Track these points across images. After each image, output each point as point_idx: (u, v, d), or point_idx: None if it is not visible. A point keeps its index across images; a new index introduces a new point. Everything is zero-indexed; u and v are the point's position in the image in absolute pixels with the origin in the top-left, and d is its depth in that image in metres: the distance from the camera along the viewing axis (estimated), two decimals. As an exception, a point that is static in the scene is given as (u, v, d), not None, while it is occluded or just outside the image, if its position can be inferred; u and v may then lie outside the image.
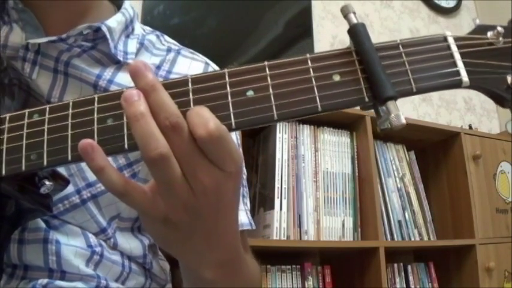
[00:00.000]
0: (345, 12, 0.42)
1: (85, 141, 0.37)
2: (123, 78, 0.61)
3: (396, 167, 1.73)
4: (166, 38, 0.72)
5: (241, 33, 1.88)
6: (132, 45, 0.65)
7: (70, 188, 0.56)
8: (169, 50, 0.68)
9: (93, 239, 0.58)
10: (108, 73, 0.61)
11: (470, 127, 2.08)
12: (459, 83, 0.42)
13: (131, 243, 0.62)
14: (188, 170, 0.38)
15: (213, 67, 0.70)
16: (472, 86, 0.43)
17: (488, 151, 1.84)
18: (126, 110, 0.37)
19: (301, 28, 2.00)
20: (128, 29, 0.65)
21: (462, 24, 2.60)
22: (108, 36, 0.61)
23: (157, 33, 0.72)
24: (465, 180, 1.74)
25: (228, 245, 0.46)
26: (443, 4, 2.54)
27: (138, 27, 0.69)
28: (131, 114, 0.36)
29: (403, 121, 0.39)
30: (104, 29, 0.60)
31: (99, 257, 0.58)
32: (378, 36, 2.27)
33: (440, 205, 1.83)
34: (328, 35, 2.09)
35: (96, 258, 0.57)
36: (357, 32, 0.42)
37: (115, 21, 0.63)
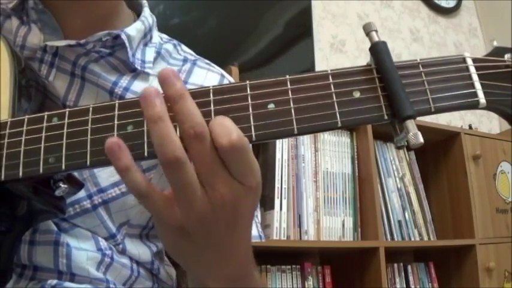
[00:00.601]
0: (367, 29, 0.43)
1: (112, 140, 0.37)
2: (139, 87, 0.61)
3: (396, 167, 1.73)
4: (184, 47, 0.71)
5: (241, 33, 1.88)
6: (150, 54, 0.64)
7: (82, 193, 0.56)
8: (185, 60, 0.68)
9: (103, 243, 0.58)
10: (124, 81, 0.60)
11: (470, 127, 2.08)
12: (476, 104, 0.43)
13: (139, 249, 0.62)
14: (207, 180, 0.38)
15: (228, 79, 0.69)
16: (488, 107, 0.43)
17: (488, 151, 1.84)
18: (146, 111, 0.37)
19: (301, 28, 2.00)
20: (146, 37, 0.65)
21: (462, 24, 2.60)
22: (127, 44, 0.60)
23: (175, 42, 0.71)
24: (465, 180, 1.74)
25: (240, 261, 0.45)
26: (443, 4, 2.54)
27: (156, 36, 0.68)
28: (151, 116, 0.37)
29: (421, 140, 0.39)
30: (123, 36, 0.59)
31: (109, 259, 0.58)
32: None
33: (440, 205, 1.83)
34: (328, 35, 2.09)
35: (107, 261, 0.58)
36: (378, 50, 0.42)
37: (134, 29, 0.62)
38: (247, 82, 0.41)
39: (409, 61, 0.43)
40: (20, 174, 0.42)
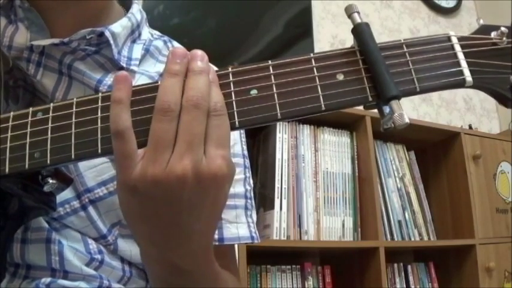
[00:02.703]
0: (349, 11, 0.43)
1: (123, 72, 0.40)
2: None
3: (396, 167, 1.73)
4: (175, 43, 0.70)
5: (241, 33, 1.88)
6: (137, 51, 0.63)
7: (71, 193, 0.56)
8: None
9: (92, 246, 0.58)
10: (109, 79, 0.60)
11: (470, 127, 2.08)
12: (462, 82, 0.42)
13: (132, 250, 0.61)
14: (180, 148, 0.38)
15: None
16: (475, 85, 0.43)
17: (488, 151, 1.84)
18: (169, 64, 0.40)
19: (301, 28, 2.00)
20: (134, 34, 0.64)
21: (462, 24, 2.60)
22: (111, 41, 0.59)
23: (165, 38, 0.70)
24: (465, 180, 1.74)
25: (188, 254, 0.44)
26: (443, 4, 2.54)
27: (146, 32, 0.67)
28: (171, 68, 0.39)
29: (407, 120, 0.39)
30: (107, 34, 0.59)
31: (98, 263, 0.58)
32: (378, 36, 2.24)
33: (440, 205, 1.83)
34: (328, 35, 2.09)
35: (95, 264, 0.57)
36: (361, 32, 0.42)
37: (119, 26, 0.61)
38: (229, 69, 0.42)
39: (393, 41, 0.43)
40: (7, 170, 0.42)
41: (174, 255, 0.43)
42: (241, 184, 0.64)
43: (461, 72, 0.42)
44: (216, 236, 0.59)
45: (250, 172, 0.67)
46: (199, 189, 0.38)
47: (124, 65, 0.61)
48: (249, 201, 0.65)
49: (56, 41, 0.58)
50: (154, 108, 0.39)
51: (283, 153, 1.48)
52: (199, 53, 0.41)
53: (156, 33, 0.70)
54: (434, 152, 1.88)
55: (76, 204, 0.56)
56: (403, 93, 0.41)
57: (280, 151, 1.47)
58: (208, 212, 0.41)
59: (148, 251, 0.45)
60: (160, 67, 0.64)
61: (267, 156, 1.51)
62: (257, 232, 0.66)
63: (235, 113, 0.40)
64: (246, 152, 0.67)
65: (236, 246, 0.71)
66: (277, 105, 0.40)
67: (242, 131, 0.66)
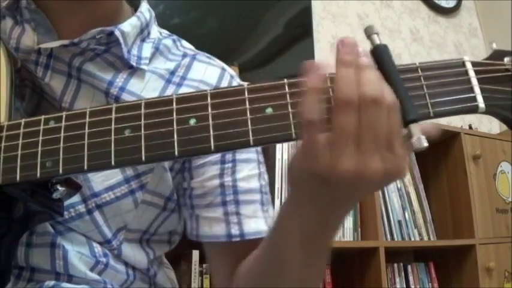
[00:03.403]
0: (369, 33, 0.43)
1: (314, 61, 0.40)
2: (135, 86, 0.59)
3: (396, 167, 1.73)
4: (184, 43, 0.69)
5: (241, 33, 1.88)
6: (147, 49, 0.62)
7: (77, 197, 0.55)
8: (184, 55, 0.66)
9: (98, 249, 0.58)
10: (120, 79, 0.59)
11: (470, 127, 2.08)
12: (475, 108, 0.42)
13: (137, 255, 0.61)
14: (366, 146, 0.38)
15: (230, 72, 0.67)
16: (487, 111, 0.43)
17: (488, 151, 1.84)
18: (343, 54, 0.39)
19: (301, 28, 2.00)
20: (143, 32, 0.63)
21: (462, 24, 2.60)
22: (121, 40, 0.58)
23: (174, 37, 0.69)
24: (465, 180, 1.74)
25: (329, 239, 0.48)
26: (443, 4, 2.54)
27: (155, 31, 0.66)
28: (345, 59, 0.39)
29: (425, 144, 0.39)
30: (117, 33, 0.58)
31: (103, 266, 0.58)
32: (378, 36, 2.27)
33: (440, 205, 1.83)
34: (328, 35, 2.09)
35: (100, 267, 0.57)
36: (380, 53, 0.42)
37: (129, 25, 0.60)
38: (245, 86, 0.41)
39: (408, 65, 0.43)
40: (17, 178, 0.42)
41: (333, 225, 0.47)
42: (256, 179, 0.64)
43: (474, 99, 0.42)
44: (237, 232, 0.59)
45: (264, 167, 0.67)
46: (379, 187, 0.42)
47: (134, 64, 0.60)
48: (264, 196, 0.65)
49: (66, 42, 0.57)
50: (335, 100, 0.38)
51: (283, 153, 1.48)
52: (351, 41, 0.40)
53: (165, 32, 0.70)
54: (434, 152, 1.88)
55: (81, 208, 0.56)
56: (419, 118, 0.41)
57: (280, 151, 1.47)
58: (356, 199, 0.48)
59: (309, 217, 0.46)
60: (170, 65, 0.64)
61: (267, 156, 1.51)
62: None
63: (250, 131, 0.40)
64: (259, 148, 0.67)
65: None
66: (292, 125, 0.40)
67: None
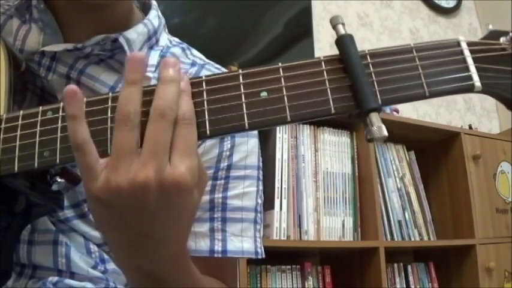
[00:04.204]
0: (334, 23, 0.43)
1: (71, 87, 0.39)
2: None
3: (396, 167, 1.73)
4: (194, 51, 0.68)
5: (241, 33, 1.88)
6: (154, 57, 0.62)
7: (81, 196, 0.56)
8: (193, 64, 0.65)
9: (95, 254, 0.58)
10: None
11: (470, 127, 2.08)
12: (471, 87, 0.42)
13: None
14: (145, 158, 0.37)
15: None
16: (483, 90, 0.43)
17: (488, 151, 1.84)
18: (127, 73, 0.39)
19: (301, 28, 2.00)
20: (151, 40, 0.62)
21: (462, 24, 2.60)
22: (126, 47, 0.58)
23: (184, 45, 0.68)
24: (465, 180, 1.74)
25: (158, 261, 0.43)
26: (443, 4, 2.54)
27: (164, 39, 0.65)
28: (129, 79, 0.39)
29: (385, 133, 0.38)
30: (122, 40, 0.58)
31: (104, 268, 0.58)
32: (378, 36, 2.27)
33: (440, 205, 1.83)
34: (328, 35, 2.09)
35: (100, 269, 0.58)
36: (344, 43, 0.42)
37: (135, 32, 0.60)
38: (240, 71, 0.41)
39: (403, 46, 0.43)
40: (16, 168, 0.42)
41: (144, 261, 0.43)
42: (252, 197, 0.63)
43: (470, 78, 0.42)
44: (219, 248, 0.59)
45: (262, 185, 0.66)
46: (163, 197, 0.38)
47: None
48: (258, 215, 0.64)
49: (70, 46, 0.57)
50: (115, 118, 0.38)
51: (283, 153, 1.48)
52: (171, 60, 0.40)
53: (175, 39, 0.69)
54: (434, 152, 1.88)
55: (84, 208, 0.56)
56: (412, 97, 0.41)
57: (280, 151, 1.47)
58: (175, 220, 0.41)
59: (120, 257, 0.45)
60: None
61: (267, 156, 1.51)
62: (262, 247, 0.65)
63: (245, 115, 0.40)
64: (260, 164, 0.66)
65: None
66: (287, 107, 0.40)
67: (258, 143, 0.65)
